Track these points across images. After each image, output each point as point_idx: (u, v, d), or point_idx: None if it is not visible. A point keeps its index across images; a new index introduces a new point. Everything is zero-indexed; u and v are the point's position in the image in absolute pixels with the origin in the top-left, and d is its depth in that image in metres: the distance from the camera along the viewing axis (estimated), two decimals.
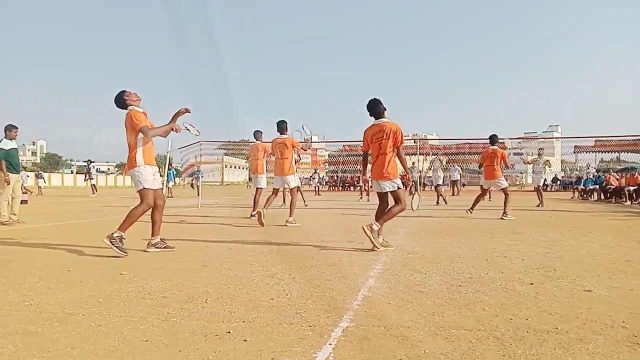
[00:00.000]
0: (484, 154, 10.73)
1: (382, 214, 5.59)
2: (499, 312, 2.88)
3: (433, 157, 22.42)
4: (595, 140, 33.49)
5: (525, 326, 2.61)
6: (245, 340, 2.39)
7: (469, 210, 10.43)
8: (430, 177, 20.41)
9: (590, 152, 34.66)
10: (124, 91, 5.24)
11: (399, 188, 5.58)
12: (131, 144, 5.13)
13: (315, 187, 27.84)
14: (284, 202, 13.91)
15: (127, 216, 5.07)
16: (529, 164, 15.43)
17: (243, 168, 73.03)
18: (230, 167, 73.38)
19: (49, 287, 3.52)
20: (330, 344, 2.34)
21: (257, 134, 10.28)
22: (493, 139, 10.54)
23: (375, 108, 5.70)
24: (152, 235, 5.26)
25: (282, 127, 8.70)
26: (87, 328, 2.58)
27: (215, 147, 16.14)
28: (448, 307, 3.01)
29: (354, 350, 2.26)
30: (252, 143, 10.47)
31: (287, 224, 8.19)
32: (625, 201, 16.41)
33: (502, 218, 9.56)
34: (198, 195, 18.13)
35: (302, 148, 9.07)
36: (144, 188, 5.11)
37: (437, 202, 15.27)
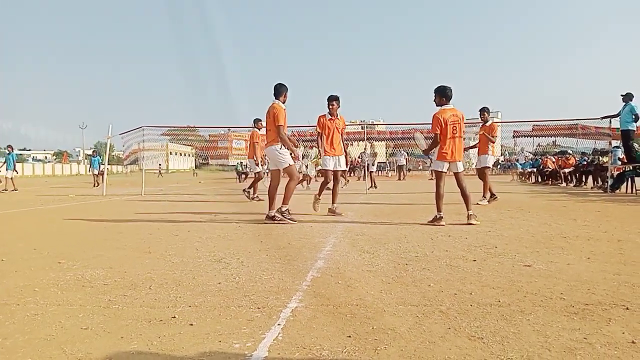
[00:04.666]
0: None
1: (465, 199, 6.10)
2: (444, 288, 2.94)
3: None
4: (533, 125, 34.89)
5: (469, 300, 2.68)
6: (192, 325, 2.33)
7: (490, 198, 8.98)
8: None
9: (528, 136, 36.08)
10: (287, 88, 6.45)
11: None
12: (272, 130, 6.26)
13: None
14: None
15: (285, 191, 6.23)
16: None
17: (189, 155, 69.52)
18: (175, 154, 70.88)
19: None
20: (279, 325, 2.31)
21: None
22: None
23: (450, 93, 6.13)
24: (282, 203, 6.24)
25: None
26: (22, 318, 2.43)
27: (159, 132, 15.55)
28: (395, 284, 3.05)
29: (303, 329, 2.25)
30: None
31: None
32: (561, 183, 17.24)
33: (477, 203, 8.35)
34: (96, 185, 17.78)
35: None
36: (289, 165, 6.31)
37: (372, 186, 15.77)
